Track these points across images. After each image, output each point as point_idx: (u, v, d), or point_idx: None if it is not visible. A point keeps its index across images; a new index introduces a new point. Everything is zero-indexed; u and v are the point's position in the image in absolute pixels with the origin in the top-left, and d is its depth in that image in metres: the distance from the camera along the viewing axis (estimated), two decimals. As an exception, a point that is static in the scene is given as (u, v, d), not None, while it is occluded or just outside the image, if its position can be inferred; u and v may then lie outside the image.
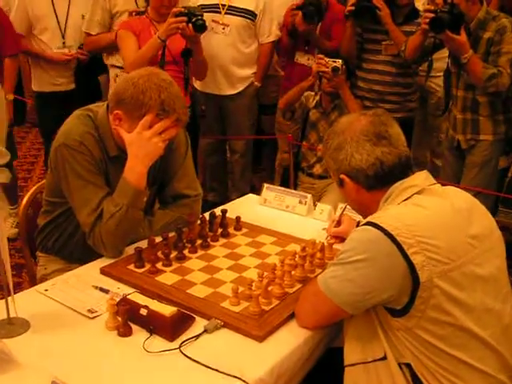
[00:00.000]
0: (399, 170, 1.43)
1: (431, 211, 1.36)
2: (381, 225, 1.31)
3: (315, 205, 2.24)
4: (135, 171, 1.75)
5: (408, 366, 1.34)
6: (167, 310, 1.44)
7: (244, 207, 2.29)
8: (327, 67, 3.12)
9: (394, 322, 1.34)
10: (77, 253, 1.95)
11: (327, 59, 3.14)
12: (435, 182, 1.47)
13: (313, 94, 3.42)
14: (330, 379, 1.56)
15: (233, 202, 2.45)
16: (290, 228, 2.05)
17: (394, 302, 1.32)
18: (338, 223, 1.93)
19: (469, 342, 1.33)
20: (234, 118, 3.99)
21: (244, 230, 2.01)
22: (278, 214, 2.24)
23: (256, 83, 3.96)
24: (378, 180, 1.44)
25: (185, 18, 2.88)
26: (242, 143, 4.09)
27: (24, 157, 5.49)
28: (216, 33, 3.71)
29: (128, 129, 1.74)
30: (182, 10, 2.89)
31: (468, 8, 2.79)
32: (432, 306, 1.29)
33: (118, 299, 1.48)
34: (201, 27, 2.91)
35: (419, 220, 1.33)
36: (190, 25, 2.91)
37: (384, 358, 1.36)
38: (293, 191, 2.32)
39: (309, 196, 2.25)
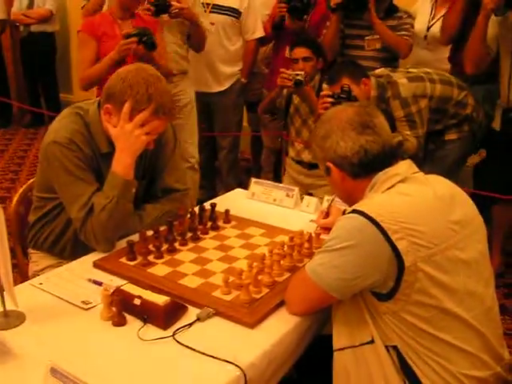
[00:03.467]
0: (383, 159, 1.48)
1: (414, 198, 1.41)
2: (366, 212, 1.35)
3: (302, 198, 2.28)
4: (122, 163, 1.79)
5: (395, 348, 1.39)
6: (160, 299, 1.48)
7: (232, 201, 2.32)
8: (290, 80, 3.08)
9: (380, 306, 1.39)
10: (68, 249, 1.97)
11: (290, 72, 3.10)
12: (418, 170, 1.52)
13: None
14: (320, 365, 1.61)
15: (220, 196, 2.48)
16: (278, 220, 2.09)
17: (380, 287, 1.36)
18: (327, 214, 1.98)
19: (453, 323, 1.38)
20: (221, 114, 4.04)
21: (233, 223, 2.05)
22: (266, 208, 2.28)
23: (242, 80, 4.01)
24: (363, 168, 1.49)
25: (135, 39, 2.92)
26: (229, 139, 4.13)
27: (11, 159, 5.49)
28: (203, 31, 3.75)
29: (117, 123, 1.78)
30: (131, 31, 2.95)
31: (360, 91, 2.86)
32: (417, 289, 1.33)
33: (111, 290, 1.52)
34: (151, 45, 2.97)
35: (402, 207, 1.38)
36: (141, 44, 2.94)
37: (372, 341, 1.41)
38: (280, 185, 2.36)
39: (296, 189, 2.29)
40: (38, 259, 2.06)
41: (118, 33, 3.08)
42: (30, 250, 2.10)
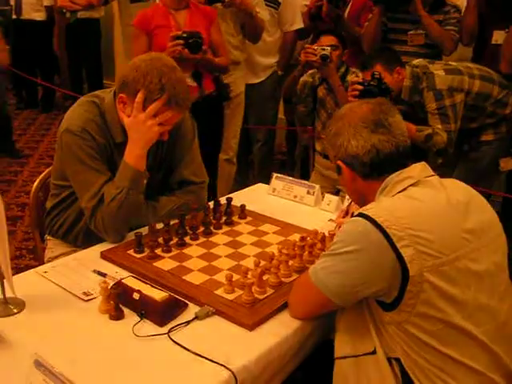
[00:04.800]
0: (396, 160, 1.41)
1: (424, 204, 1.33)
2: (371, 216, 1.29)
3: (323, 196, 2.22)
4: (134, 154, 1.76)
5: (398, 361, 1.32)
6: (159, 294, 1.45)
7: (253, 196, 2.28)
8: (315, 55, 3.01)
9: (384, 316, 1.32)
10: (81, 238, 1.97)
11: (315, 47, 3.03)
12: (433, 173, 1.44)
13: None
14: (325, 369, 1.55)
15: (242, 190, 2.44)
16: (297, 218, 2.03)
17: (385, 296, 1.29)
18: (346, 213, 1.90)
19: (460, 339, 1.29)
20: (257, 106, 3.97)
21: (248, 219, 2.01)
22: (286, 204, 2.23)
23: (279, 72, 3.94)
24: (374, 168, 1.41)
25: (181, 42, 2.87)
26: (263, 132, 4.07)
27: (50, 143, 5.61)
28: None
29: (130, 113, 1.75)
30: (179, 33, 2.90)
31: (393, 80, 2.80)
32: (422, 300, 1.26)
33: (113, 283, 1.50)
34: (195, 48, 2.89)
35: (411, 212, 1.30)
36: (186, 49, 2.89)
37: (374, 352, 1.34)
38: (302, 181, 2.30)
39: (317, 187, 2.23)
40: (53, 246, 2.07)
41: (172, 23, 3.05)
42: (47, 237, 2.11)
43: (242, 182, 4.22)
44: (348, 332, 1.40)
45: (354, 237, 1.30)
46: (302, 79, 3.28)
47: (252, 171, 4.31)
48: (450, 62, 2.92)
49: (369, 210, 1.32)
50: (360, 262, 1.29)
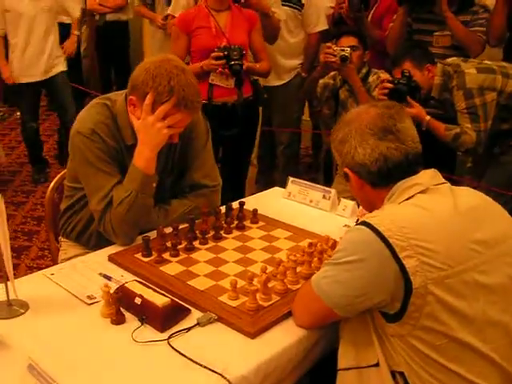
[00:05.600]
0: (405, 168, 1.35)
1: (431, 212, 1.27)
2: (374, 225, 1.24)
3: (339, 200, 2.17)
4: (143, 157, 1.75)
5: (402, 375, 1.27)
6: (160, 300, 1.43)
7: (268, 200, 2.25)
8: (335, 55, 2.96)
9: (388, 328, 1.27)
10: (93, 240, 1.96)
11: (335, 47, 2.99)
12: (443, 181, 1.38)
13: None
14: (334, 381, 1.50)
15: (257, 194, 2.41)
16: (311, 223, 1.99)
17: (387, 307, 1.25)
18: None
19: (467, 355, 1.23)
20: (280, 108, 3.94)
21: (260, 224, 1.97)
22: (301, 209, 2.19)
23: (303, 74, 3.90)
24: (382, 177, 1.36)
25: (223, 62, 2.96)
26: (287, 134, 4.03)
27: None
28: (263, 23, 3.66)
29: (140, 115, 1.74)
30: (221, 54, 2.95)
31: (422, 77, 2.77)
32: (426, 314, 1.21)
33: (113, 287, 1.48)
34: (236, 72, 2.99)
35: (416, 222, 1.25)
36: (227, 68, 2.98)
37: (377, 364, 1.29)
38: (317, 186, 2.25)
39: (333, 191, 2.18)
40: (66, 247, 2.07)
41: (212, 25, 3.07)
42: (61, 238, 2.12)
43: (266, 185, 4.20)
44: (352, 342, 1.36)
45: (356, 246, 1.26)
46: (321, 81, 3.23)
47: (276, 174, 4.28)
48: (485, 61, 2.84)
49: (372, 218, 1.28)
50: (362, 271, 1.24)
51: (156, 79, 1.68)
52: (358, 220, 1.81)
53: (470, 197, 1.37)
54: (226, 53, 2.95)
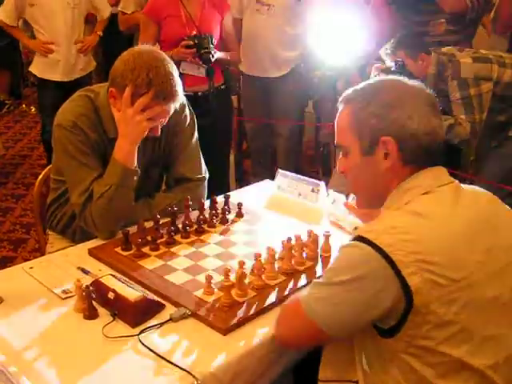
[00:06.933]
0: (439, 153, 1.26)
1: (433, 222, 1.17)
2: (373, 241, 1.13)
3: (328, 194, 2.14)
4: (123, 150, 1.73)
5: None
6: (133, 295, 1.41)
7: (258, 193, 2.22)
8: None
9: (379, 342, 1.20)
10: (78, 233, 1.95)
11: None
12: (449, 180, 1.26)
13: None
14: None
15: (248, 187, 2.39)
16: (300, 216, 1.96)
17: (382, 322, 1.18)
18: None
19: (461, 372, 1.16)
20: (280, 100, 3.89)
21: (246, 217, 1.95)
22: (291, 202, 2.15)
23: (303, 65, 3.85)
24: (427, 154, 1.24)
25: (193, 51, 2.92)
26: (287, 126, 3.98)
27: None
28: (261, 13, 3.62)
29: (121, 107, 1.72)
30: (191, 42, 2.92)
31: (416, 67, 2.73)
32: (425, 332, 1.13)
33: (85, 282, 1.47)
34: (207, 61, 2.96)
35: (417, 233, 1.15)
36: (198, 57, 2.95)
37: (357, 382, 1.26)
38: (306, 178, 2.22)
39: (321, 184, 2.15)
40: (53, 241, 2.07)
41: (182, 14, 3.03)
42: (48, 231, 2.11)
43: (264, 176, 4.17)
44: (334, 354, 1.32)
45: (354, 264, 1.16)
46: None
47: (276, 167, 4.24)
48: (481, 51, 2.78)
49: (369, 232, 1.17)
50: (359, 292, 1.15)
51: (134, 72, 1.66)
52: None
53: (478, 199, 1.27)
54: (196, 41, 2.91)
